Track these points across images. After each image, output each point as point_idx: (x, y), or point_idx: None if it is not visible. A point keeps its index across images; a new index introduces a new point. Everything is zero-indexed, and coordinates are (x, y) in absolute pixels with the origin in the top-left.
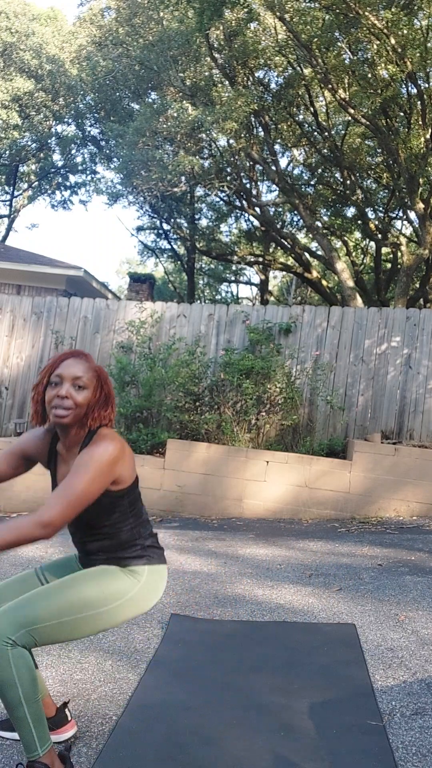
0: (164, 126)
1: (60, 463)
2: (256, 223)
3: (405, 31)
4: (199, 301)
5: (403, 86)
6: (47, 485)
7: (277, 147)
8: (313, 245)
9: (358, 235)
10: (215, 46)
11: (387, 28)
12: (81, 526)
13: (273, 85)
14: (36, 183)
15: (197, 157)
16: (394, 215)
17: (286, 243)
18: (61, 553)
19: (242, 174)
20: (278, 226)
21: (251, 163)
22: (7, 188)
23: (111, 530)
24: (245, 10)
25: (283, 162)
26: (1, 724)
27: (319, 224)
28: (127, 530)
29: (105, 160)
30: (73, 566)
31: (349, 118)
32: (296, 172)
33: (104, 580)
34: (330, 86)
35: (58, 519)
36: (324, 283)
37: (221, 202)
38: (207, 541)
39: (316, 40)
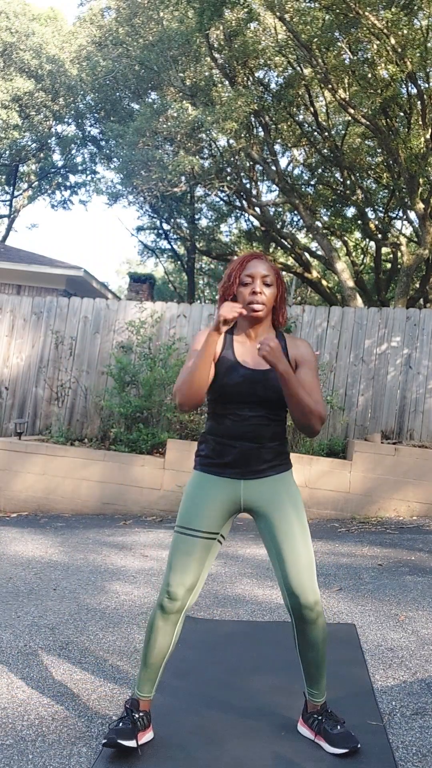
0: (164, 126)
1: (238, 346)
2: (256, 223)
3: (405, 31)
4: (199, 301)
5: (403, 86)
6: (47, 485)
7: (277, 147)
8: (313, 245)
9: (358, 235)
10: (215, 46)
11: (387, 28)
12: (272, 405)
13: (273, 85)
14: (36, 183)
15: (197, 157)
16: (394, 215)
17: (286, 243)
18: (62, 553)
19: (242, 174)
20: (278, 226)
21: (251, 163)
22: (7, 188)
23: (283, 416)
24: (245, 10)
25: (283, 162)
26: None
27: (319, 224)
28: (285, 420)
29: (105, 160)
30: (222, 497)
31: (349, 118)
32: (296, 172)
33: (298, 493)
34: (330, 86)
35: (325, 412)
36: (324, 283)
37: (221, 202)
38: None
39: (316, 40)
